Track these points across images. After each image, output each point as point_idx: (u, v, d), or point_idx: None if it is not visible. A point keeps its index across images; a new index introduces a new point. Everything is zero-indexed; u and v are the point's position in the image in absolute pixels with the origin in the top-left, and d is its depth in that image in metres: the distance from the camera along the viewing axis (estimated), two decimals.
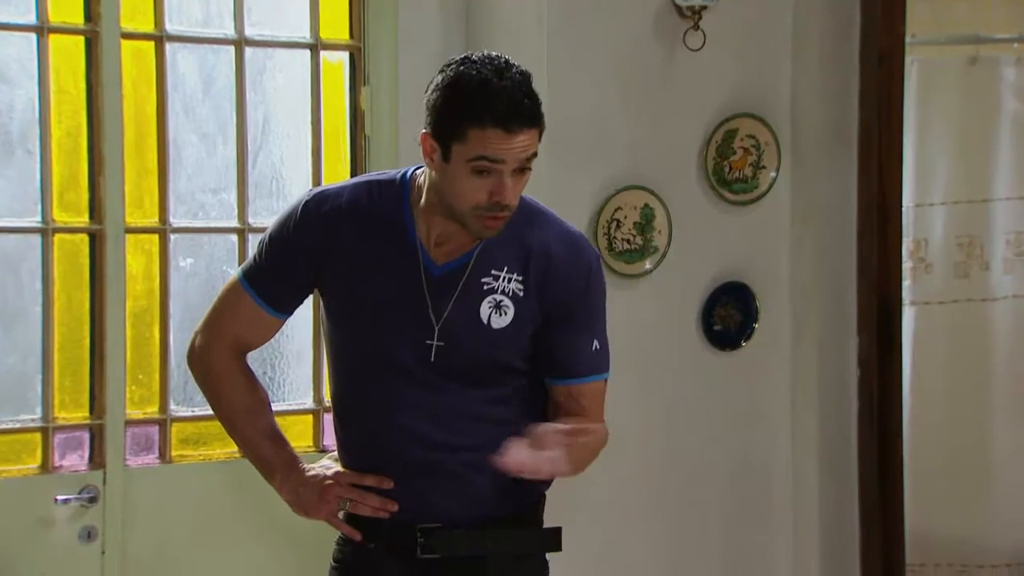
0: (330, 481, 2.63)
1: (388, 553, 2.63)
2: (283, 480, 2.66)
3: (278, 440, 2.70)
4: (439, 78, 2.50)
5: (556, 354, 2.62)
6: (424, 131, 2.51)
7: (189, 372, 2.79)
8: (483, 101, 2.43)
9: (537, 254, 2.59)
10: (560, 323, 2.60)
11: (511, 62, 2.50)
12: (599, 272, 2.65)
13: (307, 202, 2.64)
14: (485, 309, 2.57)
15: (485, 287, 2.58)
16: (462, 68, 2.48)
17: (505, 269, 2.58)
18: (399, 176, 2.64)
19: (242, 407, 2.71)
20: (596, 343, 2.63)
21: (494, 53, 2.52)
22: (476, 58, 2.49)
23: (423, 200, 2.57)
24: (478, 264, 2.58)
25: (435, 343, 2.56)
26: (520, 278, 2.58)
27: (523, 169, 2.49)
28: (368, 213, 2.60)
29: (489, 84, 2.44)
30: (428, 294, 2.57)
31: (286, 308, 2.69)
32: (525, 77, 2.49)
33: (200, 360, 2.73)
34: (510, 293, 2.58)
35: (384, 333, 2.56)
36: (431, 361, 2.56)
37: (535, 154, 2.50)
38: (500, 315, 2.58)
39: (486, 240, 2.56)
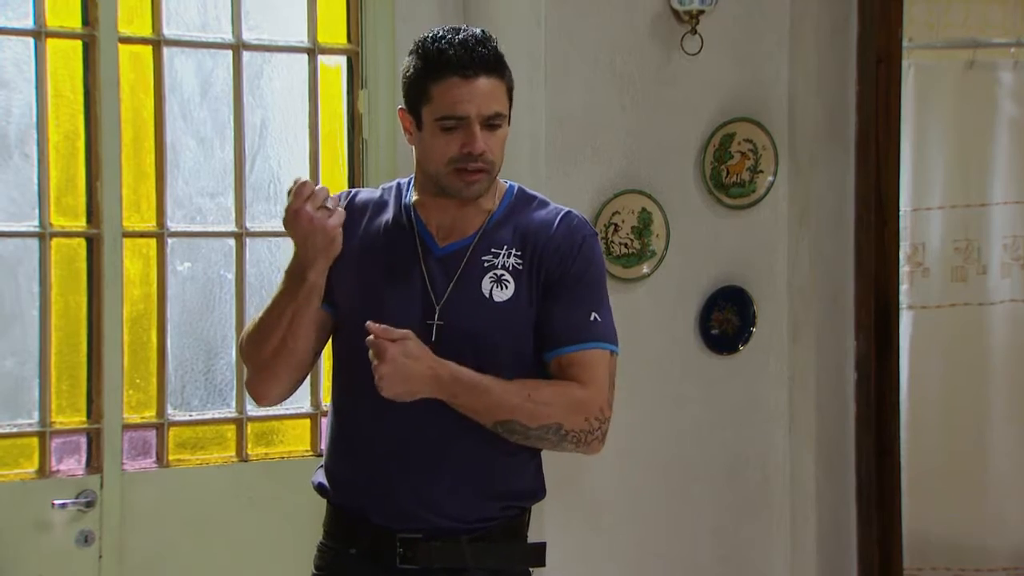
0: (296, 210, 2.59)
1: (368, 560, 2.62)
2: (291, 261, 2.62)
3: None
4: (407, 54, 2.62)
5: (550, 324, 2.60)
6: (400, 107, 2.63)
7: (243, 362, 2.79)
8: (439, 56, 2.54)
9: (534, 229, 2.64)
10: (553, 293, 2.61)
11: (472, 27, 2.61)
12: (594, 246, 2.67)
13: None
14: (486, 284, 2.61)
15: (486, 264, 2.62)
16: (423, 35, 2.60)
17: (505, 247, 2.63)
18: (410, 177, 2.73)
19: (255, 322, 2.68)
20: (595, 315, 2.62)
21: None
22: (439, 27, 2.62)
23: (416, 185, 2.67)
24: (480, 244, 2.63)
25: (436, 322, 2.58)
26: (519, 253, 2.62)
27: (493, 126, 2.56)
28: (376, 208, 2.69)
29: (445, 39, 2.55)
30: (428, 275, 2.61)
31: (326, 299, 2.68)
32: (484, 33, 2.59)
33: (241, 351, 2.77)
34: (510, 268, 2.61)
35: (384, 315, 2.55)
36: (432, 342, 2.56)
37: (500, 114, 2.57)
38: (501, 289, 2.60)
39: (487, 223, 2.63)
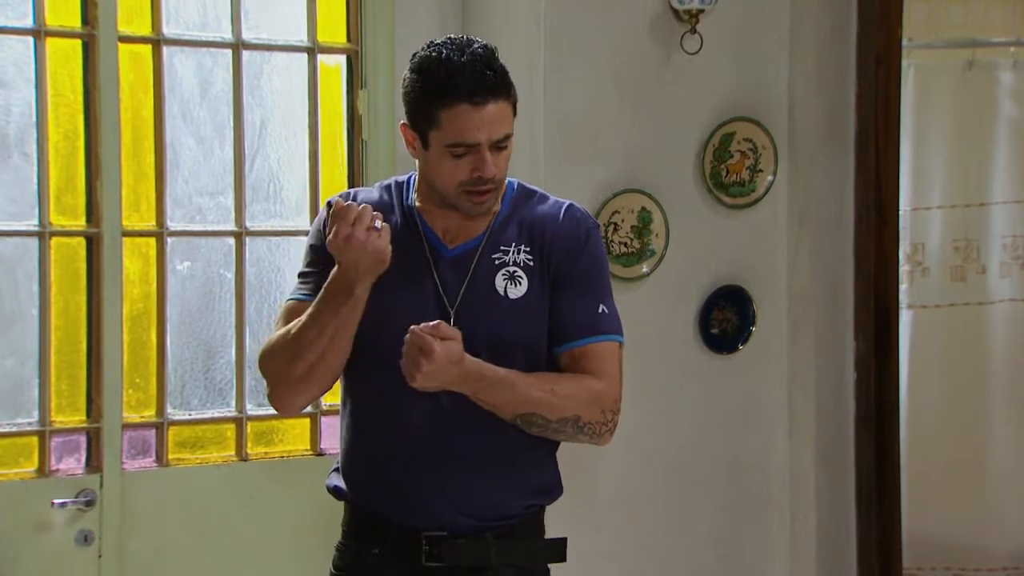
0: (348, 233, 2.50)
1: (391, 560, 2.62)
2: (337, 277, 2.54)
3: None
4: (408, 68, 2.58)
5: (560, 317, 2.61)
6: (403, 122, 2.61)
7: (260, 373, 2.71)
8: (447, 81, 2.51)
9: (540, 224, 2.65)
10: (562, 287, 2.62)
11: (472, 39, 2.58)
12: (598, 239, 2.68)
13: (328, 201, 2.71)
14: (500, 281, 2.61)
15: (497, 262, 2.62)
16: (425, 53, 2.56)
17: (513, 244, 2.63)
18: (408, 176, 2.73)
19: (291, 335, 2.60)
20: (603, 307, 2.63)
21: (456, 35, 2.60)
22: (439, 41, 2.57)
23: (419, 192, 2.66)
24: (488, 244, 2.63)
25: (451, 325, 2.55)
26: (528, 249, 2.63)
27: (501, 147, 2.56)
28: (381, 208, 2.64)
29: (450, 63, 2.51)
30: (440, 279, 2.61)
31: None
32: (487, 51, 2.55)
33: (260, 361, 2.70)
34: (521, 264, 2.62)
35: (399, 320, 2.53)
36: None
37: (509, 135, 2.56)
38: (515, 285, 2.61)
39: (494, 223, 2.64)
